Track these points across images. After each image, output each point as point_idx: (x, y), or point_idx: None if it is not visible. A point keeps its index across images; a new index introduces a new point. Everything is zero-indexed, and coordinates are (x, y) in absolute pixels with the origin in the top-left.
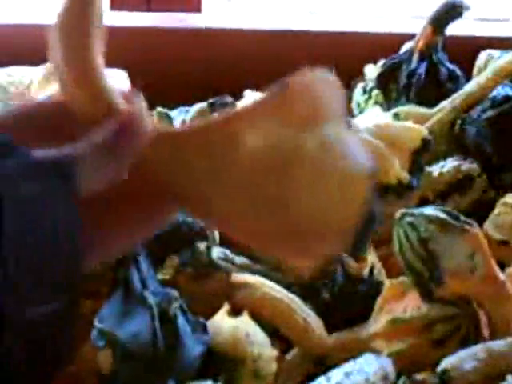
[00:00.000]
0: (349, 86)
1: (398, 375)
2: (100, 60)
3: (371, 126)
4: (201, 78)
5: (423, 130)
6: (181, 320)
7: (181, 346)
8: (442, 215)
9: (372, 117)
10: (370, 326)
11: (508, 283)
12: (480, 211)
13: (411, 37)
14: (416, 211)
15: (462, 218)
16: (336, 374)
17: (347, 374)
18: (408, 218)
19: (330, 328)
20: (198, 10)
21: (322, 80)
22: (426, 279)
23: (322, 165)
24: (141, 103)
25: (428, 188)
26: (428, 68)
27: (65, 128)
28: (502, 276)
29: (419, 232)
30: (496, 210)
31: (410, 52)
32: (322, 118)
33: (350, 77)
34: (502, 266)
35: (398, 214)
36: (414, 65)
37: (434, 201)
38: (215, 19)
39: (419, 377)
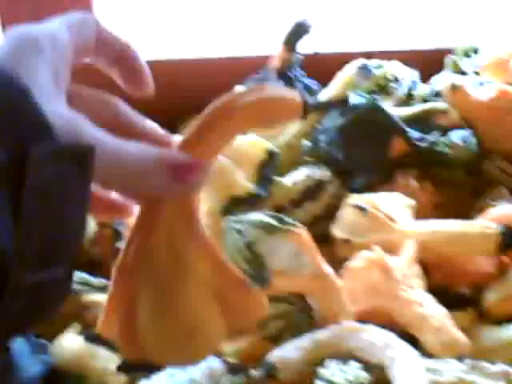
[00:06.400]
0: None
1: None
2: None
3: None
4: None
5: (267, 144)
6: (17, 343)
7: (15, 368)
8: (266, 219)
9: None
10: None
11: (337, 277)
12: (332, 215)
13: None
14: (242, 217)
15: (286, 219)
16: (160, 375)
17: (171, 375)
18: (234, 225)
19: None
20: None
21: None
22: (254, 281)
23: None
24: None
25: (282, 197)
26: (284, 84)
27: None
28: (329, 271)
29: (245, 237)
30: (340, 212)
31: (269, 71)
32: None
33: None
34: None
35: (223, 222)
36: (271, 83)
37: (288, 208)
38: None
39: (253, 371)
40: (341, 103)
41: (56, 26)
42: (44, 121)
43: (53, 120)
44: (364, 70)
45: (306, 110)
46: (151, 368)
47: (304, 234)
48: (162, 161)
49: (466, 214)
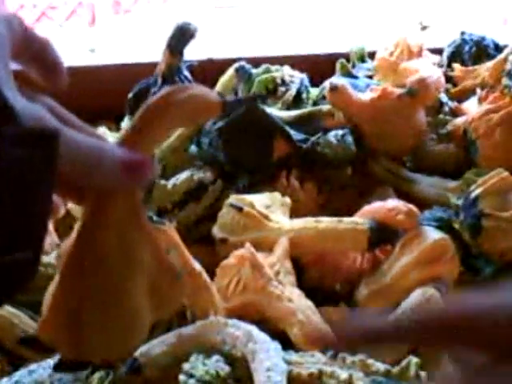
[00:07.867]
0: None
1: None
2: None
3: None
4: None
5: None
6: None
7: None
8: None
9: None
10: None
11: (205, 274)
12: (216, 216)
13: None
14: None
15: (155, 218)
16: (20, 372)
17: (30, 372)
18: None
19: None
20: None
21: None
22: None
23: None
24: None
25: (165, 199)
26: None
27: None
28: (198, 267)
29: None
30: (221, 211)
31: (156, 76)
32: None
33: None
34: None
35: None
36: (156, 87)
37: (172, 210)
38: None
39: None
40: (259, 99)
41: None
42: (10, 106)
43: (15, 106)
44: (241, 71)
45: (225, 107)
46: (89, 366)
47: (172, 231)
48: (115, 156)
49: (351, 213)
